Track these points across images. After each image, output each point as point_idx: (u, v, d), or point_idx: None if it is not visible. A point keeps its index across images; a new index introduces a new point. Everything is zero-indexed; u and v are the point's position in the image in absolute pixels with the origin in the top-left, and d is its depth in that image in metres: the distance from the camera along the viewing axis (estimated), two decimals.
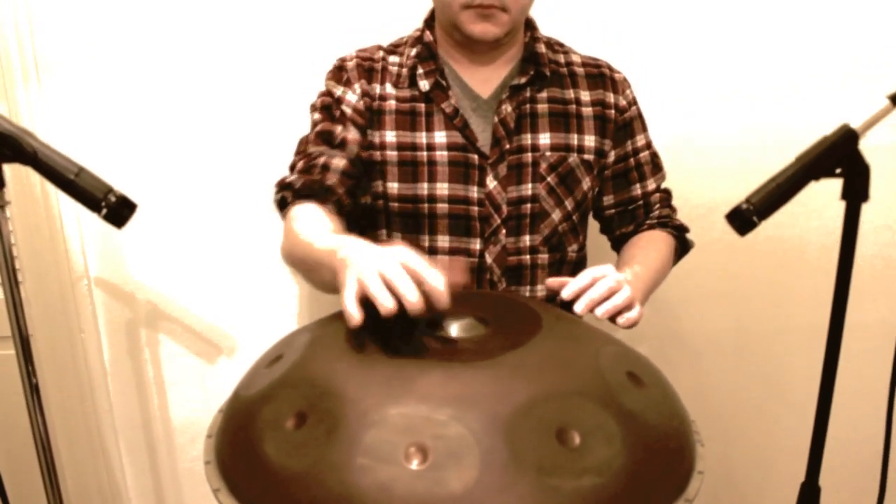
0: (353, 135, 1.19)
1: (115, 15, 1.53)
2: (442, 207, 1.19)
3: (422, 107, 1.20)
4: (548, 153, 1.21)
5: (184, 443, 1.81)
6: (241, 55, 1.57)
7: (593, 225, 1.38)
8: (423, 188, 1.19)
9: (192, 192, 1.64)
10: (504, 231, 1.21)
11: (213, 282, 1.69)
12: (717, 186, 1.69)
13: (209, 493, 0.77)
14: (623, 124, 1.28)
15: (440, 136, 1.19)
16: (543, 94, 1.23)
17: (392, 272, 0.79)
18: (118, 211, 1.04)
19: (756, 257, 1.75)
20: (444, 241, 1.21)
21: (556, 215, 1.23)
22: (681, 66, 1.64)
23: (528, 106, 1.21)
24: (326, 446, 0.71)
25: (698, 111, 1.67)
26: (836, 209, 0.98)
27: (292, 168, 1.21)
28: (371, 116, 1.21)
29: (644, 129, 1.32)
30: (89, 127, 1.58)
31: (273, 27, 1.56)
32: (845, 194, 0.97)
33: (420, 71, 1.21)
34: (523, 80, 1.21)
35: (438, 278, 0.80)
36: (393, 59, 1.24)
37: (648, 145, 1.33)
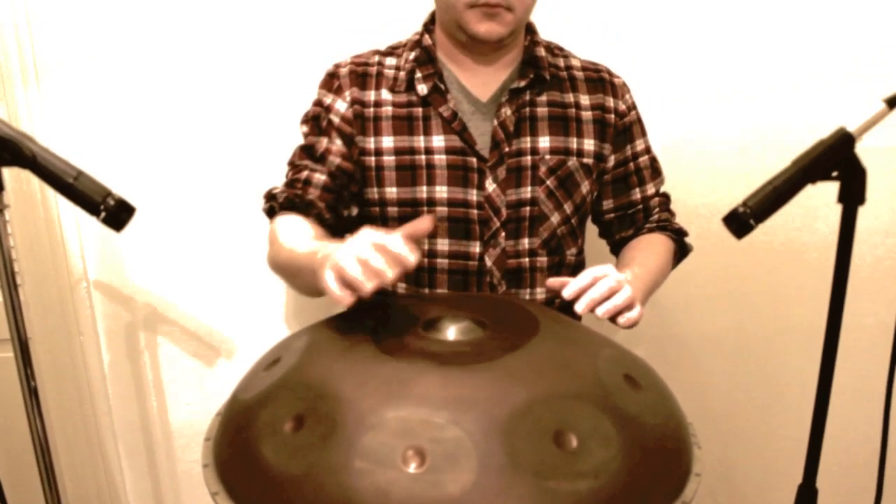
0: (337, 146, 1.21)
1: (114, 18, 1.54)
2: (441, 211, 1.20)
3: (419, 111, 1.21)
4: (547, 156, 1.21)
5: (182, 445, 1.81)
6: (240, 58, 1.57)
7: (592, 229, 1.38)
8: (422, 192, 1.20)
9: (190, 195, 1.64)
10: (503, 234, 1.21)
11: (211, 285, 1.69)
12: (716, 188, 1.69)
13: (207, 496, 0.78)
14: (623, 129, 1.28)
15: (438, 140, 1.20)
16: (543, 98, 1.23)
17: (365, 252, 0.84)
18: (117, 214, 1.04)
19: (754, 259, 1.76)
20: (443, 244, 1.21)
21: (555, 218, 1.23)
22: (679, 68, 1.64)
23: (527, 109, 1.22)
24: (324, 449, 0.72)
25: (697, 113, 1.67)
26: (835, 211, 0.98)
27: (286, 177, 1.25)
28: (363, 124, 1.21)
29: (643, 133, 1.33)
30: (88, 130, 1.59)
31: (273, 29, 1.57)
32: (842, 197, 0.97)
33: (418, 75, 1.21)
34: (523, 83, 1.21)
35: (400, 243, 0.84)
36: (390, 61, 1.25)
37: (648, 150, 1.33)
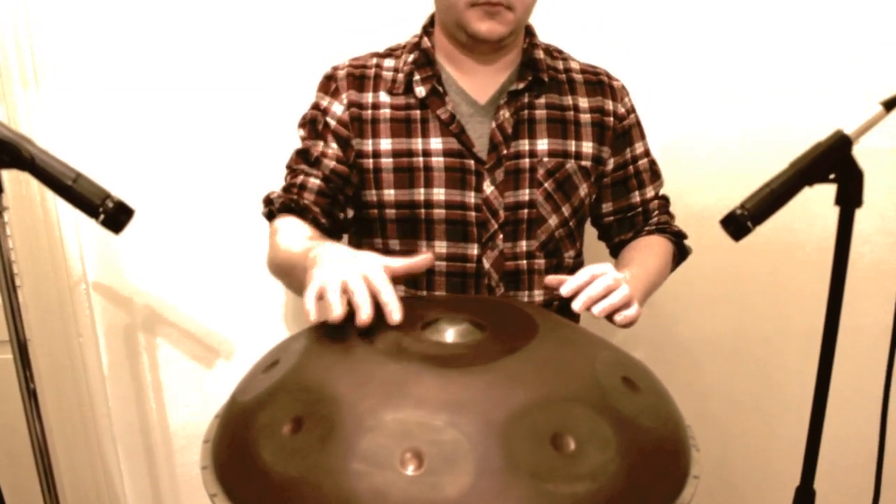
0: (332, 150, 1.21)
1: (113, 20, 1.54)
2: (439, 213, 1.20)
3: (417, 113, 1.21)
4: (545, 159, 1.21)
5: (181, 447, 1.81)
6: (239, 60, 1.58)
7: (591, 232, 1.38)
8: (420, 194, 1.20)
9: (189, 197, 1.64)
10: (501, 236, 1.21)
11: (210, 287, 1.69)
12: (714, 190, 1.69)
13: (206, 498, 0.78)
14: (622, 132, 1.28)
15: (436, 143, 1.20)
16: (542, 100, 1.23)
17: (353, 283, 0.86)
18: (115, 217, 1.04)
19: (753, 261, 1.76)
20: (441, 246, 1.21)
21: (553, 221, 1.23)
22: (677, 70, 1.64)
23: (525, 112, 1.22)
24: (322, 451, 0.72)
25: (695, 115, 1.67)
26: (834, 212, 0.99)
27: (285, 181, 1.25)
28: (360, 126, 1.21)
29: (642, 136, 1.33)
30: (87, 132, 1.59)
31: (272, 31, 1.57)
32: (839, 200, 0.98)
33: (417, 77, 1.21)
34: (521, 85, 1.21)
35: (392, 296, 0.86)
36: (388, 63, 1.25)
37: (647, 153, 1.33)
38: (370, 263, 0.89)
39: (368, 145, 1.21)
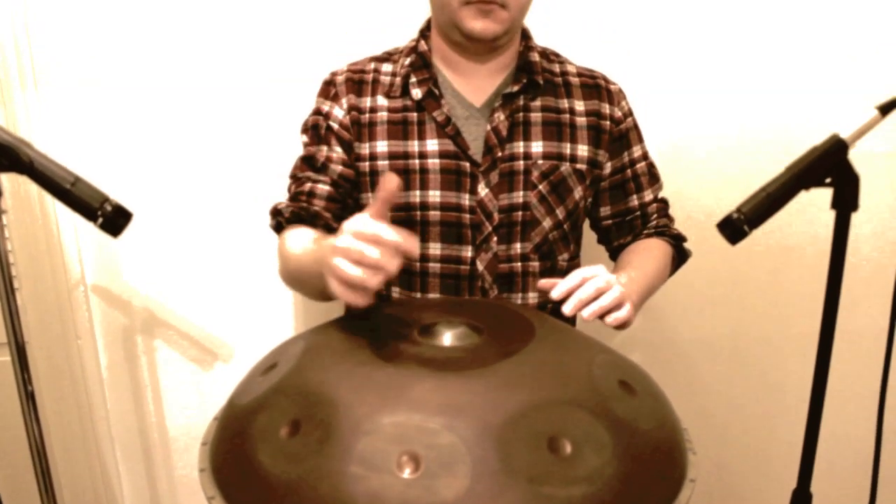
0: (337, 153, 1.21)
1: (112, 24, 1.54)
2: (434, 215, 1.20)
3: (414, 116, 1.21)
4: (540, 161, 1.22)
5: (179, 450, 1.82)
6: (237, 63, 1.58)
7: (589, 235, 1.38)
8: (416, 196, 1.20)
9: (188, 199, 1.64)
10: (495, 238, 1.22)
11: (209, 289, 1.70)
12: (711, 192, 1.70)
13: (204, 501, 0.78)
14: (619, 135, 1.28)
15: (432, 144, 1.20)
16: (537, 103, 1.23)
17: (353, 249, 0.82)
18: (114, 220, 1.04)
19: (750, 263, 1.76)
20: (435, 248, 1.21)
21: (547, 223, 1.23)
22: (676, 71, 1.65)
23: (521, 114, 1.22)
24: (320, 455, 0.72)
25: (693, 118, 1.67)
26: (831, 215, 0.99)
27: (289, 190, 1.25)
28: (360, 130, 1.22)
29: (640, 140, 1.33)
30: (86, 135, 1.59)
31: (271, 33, 1.57)
32: (835, 203, 0.98)
33: (413, 80, 1.22)
34: (516, 88, 1.21)
35: (388, 231, 0.82)
36: (386, 67, 1.25)
37: (645, 156, 1.33)
38: (353, 224, 0.85)
39: (366, 148, 1.21)
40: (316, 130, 1.24)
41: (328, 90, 1.25)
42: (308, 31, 1.57)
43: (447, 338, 0.89)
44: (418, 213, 1.20)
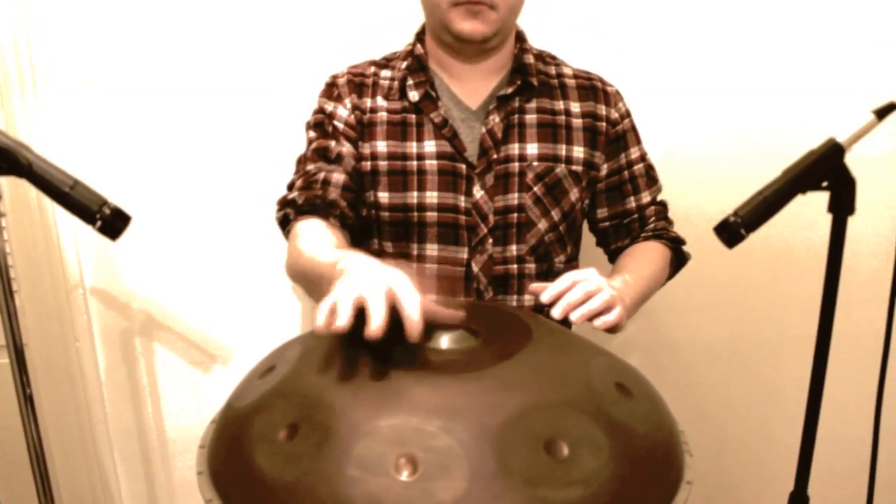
0: (347, 148, 1.21)
1: (111, 27, 1.54)
2: (431, 216, 1.20)
3: (412, 117, 1.22)
4: (535, 163, 1.22)
5: (178, 452, 1.82)
6: (236, 65, 1.58)
7: (588, 238, 1.38)
8: (413, 197, 1.20)
9: (187, 202, 1.64)
10: (491, 240, 1.22)
11: (207, 291, 1.70)
12: (709, 194, 1.70)
13: (202, 503, 0.78)
14: (615, 137, 1.29)
15: (430, 146, 1.21)
16: (532, 105, 1.24)
17: (371, 295, 0.78)
18: (112, 223, 1.05)
19: (748, 266, 1.76)
20: (432, 249, 1.22)
21: (543, 225, 1.24)
22: (669, 75, 1.65)
23: (516, 116, 1.23)
24: (317, 457, 0.72)
25: (691, 121, 1.68)
26: (829, 219, 0.99)
27: (291, 186, 1.23)
28: (362, 129, 1.22)
29: (638, 141, 1.33)
30: (85, 138, 1.59)
31: (271, 33, 1.57)
32: (832, 207, 0.99)
33: (410, 82, 1.22)
34: (510, 90, 1.22)
35: (416, 311, 0.79)
36: (385, 73, 1.26)
37: (643, 158, 1.33)
38: (400, 277, 0.82)
39: (367, 148, 1.22)
40: (322, 127, 1.24)
41: (331, 91, 1.25)
42: (308, 32, 1.58)
43: (444, 340, 0.89)
44: (415, 214, 1.21)
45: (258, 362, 0.96)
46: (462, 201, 1.21)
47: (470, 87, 1.24)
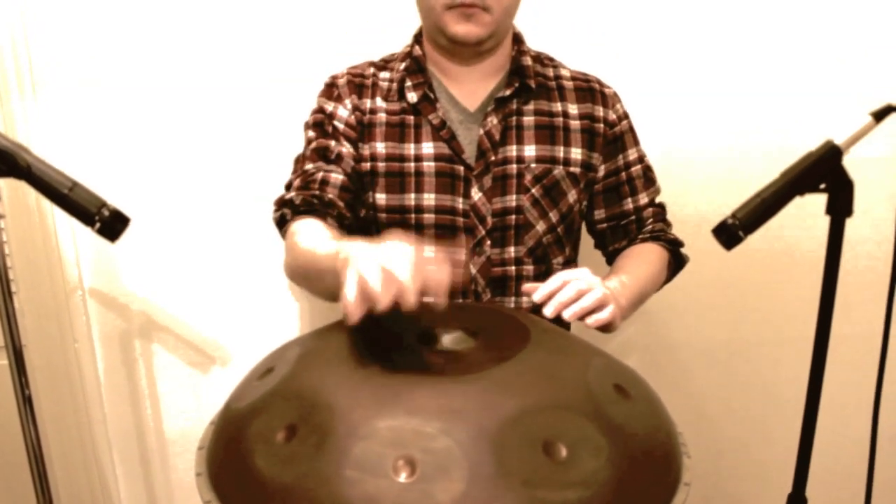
0: (347, 149, 1.21)
1: (110, 30, 1.54)
2: (429, 218, 1.21)
3: (411, 119, 1.22)
4: (533, 165, 1.22)
5: (176, 454, 1.82)
6: (236, 65, 1.58)
7: (587, 241, 1.38)
8: (411, 199, 1.21)
9: (186, 203, 1.64)
10: (489, 242, 1.22)
11: (206, 293, 1.70)
12: (708, 197, 1.70)
13: None
14: (613, 138, 1.29)
15: (428, 147, 1.21)
16: (530, 107, 1.24)
17: (393, 264, 0.77)
18: (111, 225, 1.05)
19: (747, 268, 1.77)
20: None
21: (541, 227, 1.24)
22: (672, 78, 1.65)
23: (514, 118, 1.23)
24: (316, 459, 0.72)
25: (689, 122, 1.68)
26: (827, 220, 1.00)
27: (289, 186, 1.23)
28: (362, 130, 1.22)
29: (636, 143, 1.33)
30: (84, 139, 1.59)
31: (271, 33, 1.57)
32: (829, 209, 0.99)
33: (408, 84, 1.22)
34: (508, 92, 1.22)
35: (440, 269, 0.79)
36: (383, 74, 1.26)
37: (641, 159, 1.33)
38: (401, 245, 0.80)
39: (366, 149, 1.22)
40: (322, 127, 1.23)
41: (331, 91, 1.25)
42: (308, 32, 1.58)
43: (443, 342, 0.90)
44: (413, 215, 1.21)
45: (257, 364, 0.96)
46: (460, 203, 1.21)
47: (468, 89, 1.24)
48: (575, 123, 1.25)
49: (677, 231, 1.37)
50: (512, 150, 1.22)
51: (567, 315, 1.00)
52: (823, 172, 0.97)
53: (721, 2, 1.62)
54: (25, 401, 1.18)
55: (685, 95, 1.66)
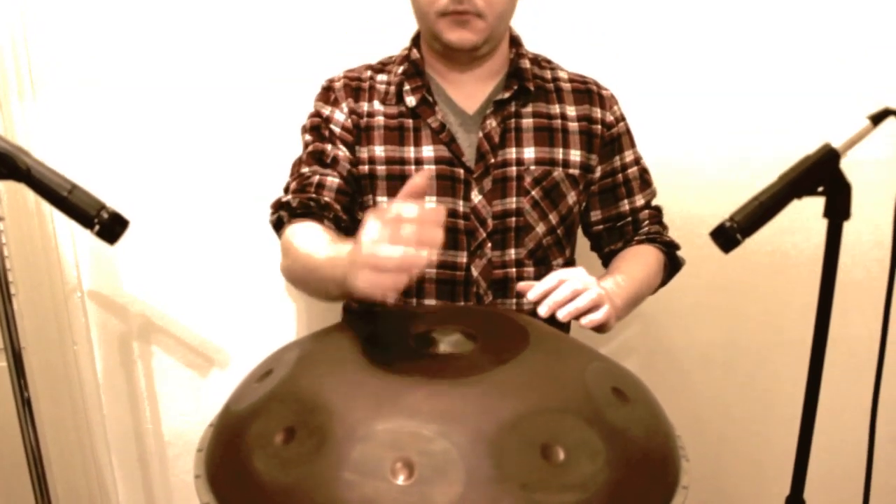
0: (343, 153, 1.21)
1: (110, 32, 1.55)
2: None
3: (409, 122, 1.22)
4: (532, 167, 1.22)
5: (175, 456, 1.82)
6: (235, 65, 1.58)
7: (584, 243, 1.38)
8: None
9: (185, 206, 1.64)
10: (489, 244, 1.22)
11: (205, 295, 1.70)
12: (706, 199, 1.70)
13: None
14: (610, 140, 1.29)
15: (427, 151, 1.21)
16: (528, 109, 1.24)
17: (394, 232, 0.78)
18: (110, 227, 1.05)
19: (745, 271, 1.77)
20: (431, 254, 1.21)
21: (541, 229, 1.24)
22: (670, 79, 1.65)
23: (512, 121, 1.23)
24: (314, 461, 0.72)
25: (687, 124, 1.68)
26: (824, 224, 1.00)
27: (286, 189, 1.23)
28: (359, 133, 1.22)
29: (632, 145, 1.33)
30: (83, 139, 1.59)
31: (271, 34, 1.57)
32: (827, 212, 0.99)
33: (407, 87, 1.23)
34: (506, 94, 1.22)
35: (422, 209, 0.80)
36: (381, 77, 1.26)
37: (637, 161, 1.33)
38: (382, 212, 0.81)
39: (364, 152, 1.22)
40: (318, 131, 1.24)
41: (327, 95, 1.25)
42: (308, 32, 1.58)
43: (442, 345, 0.90)
44: None
45: (256, 366, 0.96)
46: (460, 206, 1.21)
47: (466, 92, 1.24)
48: (573, 125, 1.26)
49: (674, 234, 1.37)
50: (511, 153, 1.22)
51: (561, 315, 1.00)
52: (821, 175, 0.97)
53: (721, 2, 1.62)
54: (24, 403, 1.18)
55: (684, 96, 1.66)
